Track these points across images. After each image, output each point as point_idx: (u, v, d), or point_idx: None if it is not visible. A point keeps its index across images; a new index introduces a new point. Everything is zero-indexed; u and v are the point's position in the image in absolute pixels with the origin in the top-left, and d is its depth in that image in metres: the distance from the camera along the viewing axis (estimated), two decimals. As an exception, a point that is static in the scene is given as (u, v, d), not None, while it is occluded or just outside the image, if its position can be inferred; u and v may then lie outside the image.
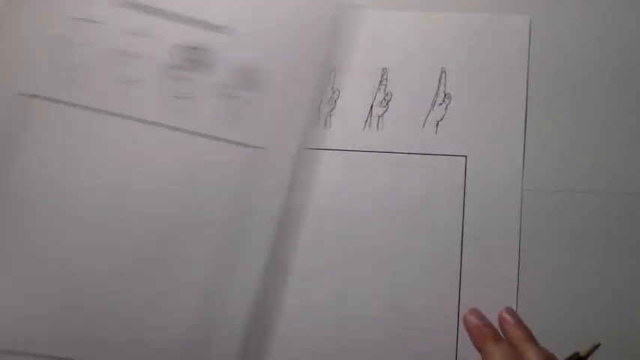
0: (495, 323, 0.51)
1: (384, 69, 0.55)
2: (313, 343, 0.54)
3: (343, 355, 0.54)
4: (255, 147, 0.52)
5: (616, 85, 0.54)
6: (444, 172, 0.53)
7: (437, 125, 0.54)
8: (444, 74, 0.55)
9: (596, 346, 0.47)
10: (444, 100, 0.55)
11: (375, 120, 0.55)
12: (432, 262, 0.51)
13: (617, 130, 0.54)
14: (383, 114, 0.55)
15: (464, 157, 0.54)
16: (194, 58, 0.52)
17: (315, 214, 0.54)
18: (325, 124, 0.55)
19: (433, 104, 0.55)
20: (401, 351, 0.54)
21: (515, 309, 0.52)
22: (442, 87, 0.55)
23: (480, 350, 0.50)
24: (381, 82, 0.55)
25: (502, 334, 0.51)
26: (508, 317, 0.51)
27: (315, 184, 0.54)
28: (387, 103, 0.55)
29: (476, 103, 0.55)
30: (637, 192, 0.54)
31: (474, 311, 0.52)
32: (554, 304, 0.53)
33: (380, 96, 0.55)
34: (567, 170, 0.54)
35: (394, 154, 0.54)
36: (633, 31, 0.54)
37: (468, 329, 0.52)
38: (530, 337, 0.50)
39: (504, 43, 0.55)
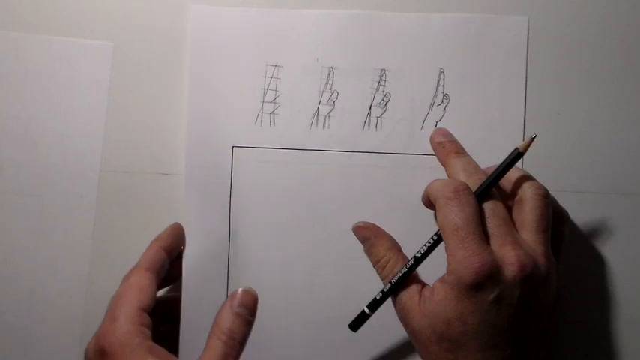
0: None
1: (382, 70, 0.50)
2: (313, 341, 0.50)
3: (340, 352, 0.49)
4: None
5: (616, 84, 0.49)
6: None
7: (436, 126, 0.50)
8: (442, 75, 0.50)
9: (533, 138, 0.43)
10: (442, 101, 0.50)
11: (373, 121, 0.50)
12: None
13: (618, 129, 0.49)
14: (382, 115, 0.50)
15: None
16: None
17: (314, 214, 0.50)
18: (324, 125, 0.50)
19: (432, 105, 0.50)
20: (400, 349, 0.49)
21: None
22: (441, 88, 0.50)
23: (443, 165, 0.47)
24: (379, 82, 0.50)
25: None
26: (439, 137, 0.48)
27: (314, 185, 0.50)
28: (386, 104, 0.50)
29: (474, 103, 0.50)
30: (637, 192, 0.49)
31: (440, 129, 0.49)
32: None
33: (379, 97, 0.50)
34: (567, 170, 0.49)
35: (393, 155, 0.50)
36: (632, 30, 0.49)
37: (433, 147, 0.48)
38: (458, 150, 0.47)
39: (502, 44, 0.50)
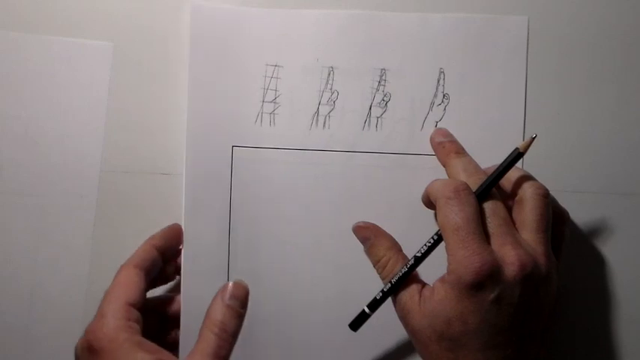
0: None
1: (382, 70, 0.49)
2: (313, 341, 0.49)
3: (340, 352, 0.49)
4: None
5: (616, 84, 0.49)
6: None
7: (436, 126, 0.49)
8: (442, 75, 0.49)
9: (533, 138, 0.43)
10: (442, 101, 0.49)
11: (374, 121, 0.49)
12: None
13: (618, 129, 0.49)
14: (382, 115, 0.49)
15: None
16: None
17: (313, 215, 0.49)
18: (324, 125, 0.49)
19: (432, 105, 0.49)
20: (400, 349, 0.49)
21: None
22: (441, 87, 0.49)
23: (444, 165, 0.47)
24: (379, 82, 0.49)
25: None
26: (440, 137, 0.48)
27: (314, 185, 0.49)
28: (386, 104, 0.49)
29: (474, 103, 0.49)
30: (637, 192, 0.49)
31: (440, 129, 0.48)
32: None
33: (379, 97, 0.49)
34: (567, 170, 0.49)
35: (393, 155, 0.49)
36: (632, 30, 0.49)
37: (433, 147, 0.48)
38: (458, 150, 0.47)
39: (502, 43, 0.49)
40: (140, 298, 0.43)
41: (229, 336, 0.40)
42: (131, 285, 0.43)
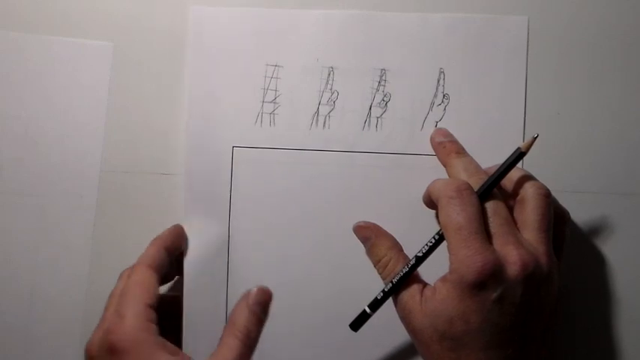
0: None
1: (382, 70, 0.49)
2: (314, 341, 0.49)
3: (340, 352, 0.49)
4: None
5: (616, 84, 0.49)
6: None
7: (436, 126, 0.49)
8: (442, 75, 0.49)
9: (535, 138, 0.42)
10: (442, 101, 0.49)
11: (374, 121, 0.49)
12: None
13: (618, 129, 0.49)
14: (382, 115, 0.49)
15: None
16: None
17: (313, 215, 0.49)
18: (324, 125, 0.49)
19: (432, 105, 0.49)
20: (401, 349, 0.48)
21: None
22: (441, 88, 0.49)
23: (444, 165, 0.46)
24: (379, 82, 0.49)
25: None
26: (440, 137, 0.48)
27: (314, 185, 0.49)
28: (386, 104, 0.49)
29: (474, 103, 0.49)
30: (637, 192, 0.48)
31: (440, 129, 0.48)
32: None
33: (379, 97, 0.49)
34: (567, 170, 0.49)
35: (393, 155, 0.49)
36: (632, 30, 0.49)
37: (433, 147, 0.48)
38: (459, 150, 0.46)
39: (502, 43, 0.49)
40: (157, 299, 0.43)
41: (252, 342, 0.40)
42: (149, 286, 0.43)
